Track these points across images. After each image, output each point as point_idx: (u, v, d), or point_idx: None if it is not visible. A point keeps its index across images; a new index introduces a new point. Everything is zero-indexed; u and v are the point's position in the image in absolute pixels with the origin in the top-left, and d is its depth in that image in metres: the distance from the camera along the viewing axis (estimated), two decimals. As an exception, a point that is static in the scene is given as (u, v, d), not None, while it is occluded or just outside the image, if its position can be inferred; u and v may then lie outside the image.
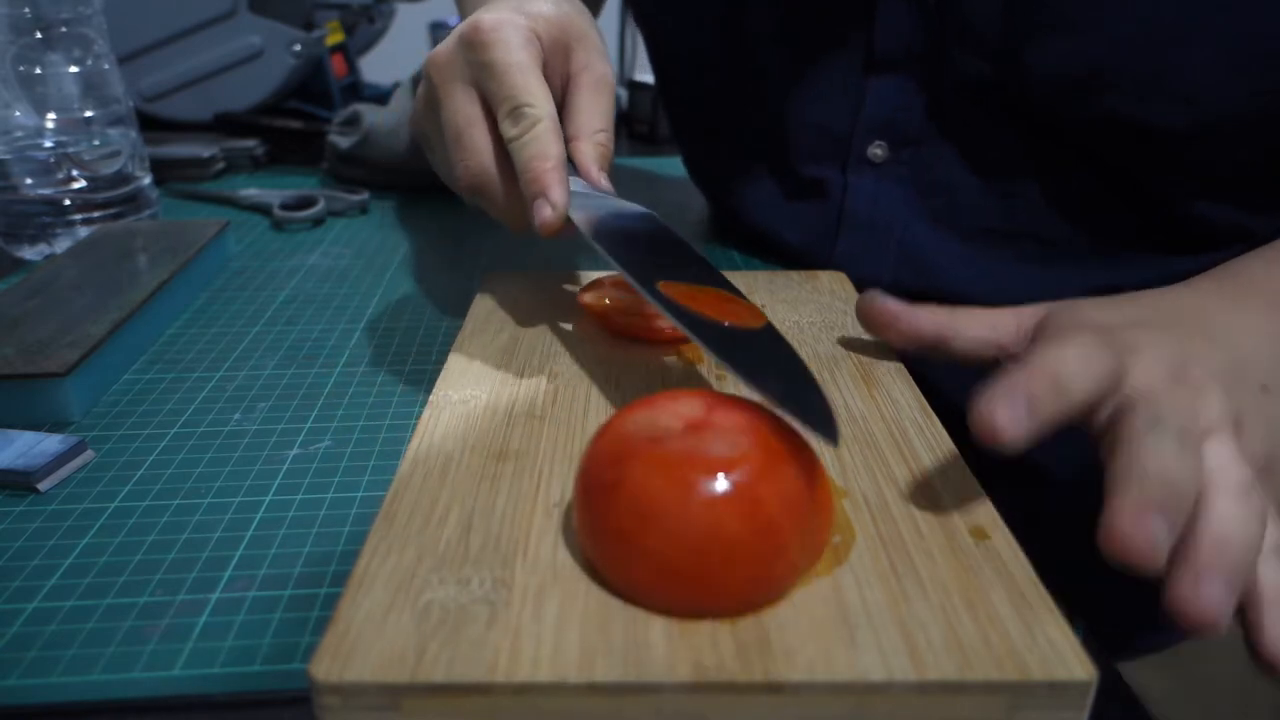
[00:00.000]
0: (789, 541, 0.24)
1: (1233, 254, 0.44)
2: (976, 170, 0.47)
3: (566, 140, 0.40)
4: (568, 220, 0.36)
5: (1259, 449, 0.29)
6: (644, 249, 0.36)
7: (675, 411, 0.26)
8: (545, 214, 0.35)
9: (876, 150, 0.48)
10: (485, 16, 0.38)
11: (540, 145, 0.36)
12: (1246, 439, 0.28)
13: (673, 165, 0.88)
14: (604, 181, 0.40)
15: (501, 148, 0.38)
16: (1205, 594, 0.23)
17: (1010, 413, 0.25)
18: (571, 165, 0.40)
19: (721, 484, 0.23)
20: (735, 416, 0.26)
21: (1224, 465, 0.26)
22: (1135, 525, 0.23)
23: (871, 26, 0.47)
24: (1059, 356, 0.27)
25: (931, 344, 0.36)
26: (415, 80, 0.73)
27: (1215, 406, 0.28)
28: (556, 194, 0.35)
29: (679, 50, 0.60)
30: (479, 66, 0.38)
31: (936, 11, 0.45)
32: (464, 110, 0.38)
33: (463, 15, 0.51)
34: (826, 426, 0.26)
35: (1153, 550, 0.23)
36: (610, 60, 0.43)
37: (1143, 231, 0.46)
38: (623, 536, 0.23)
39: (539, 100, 0.37)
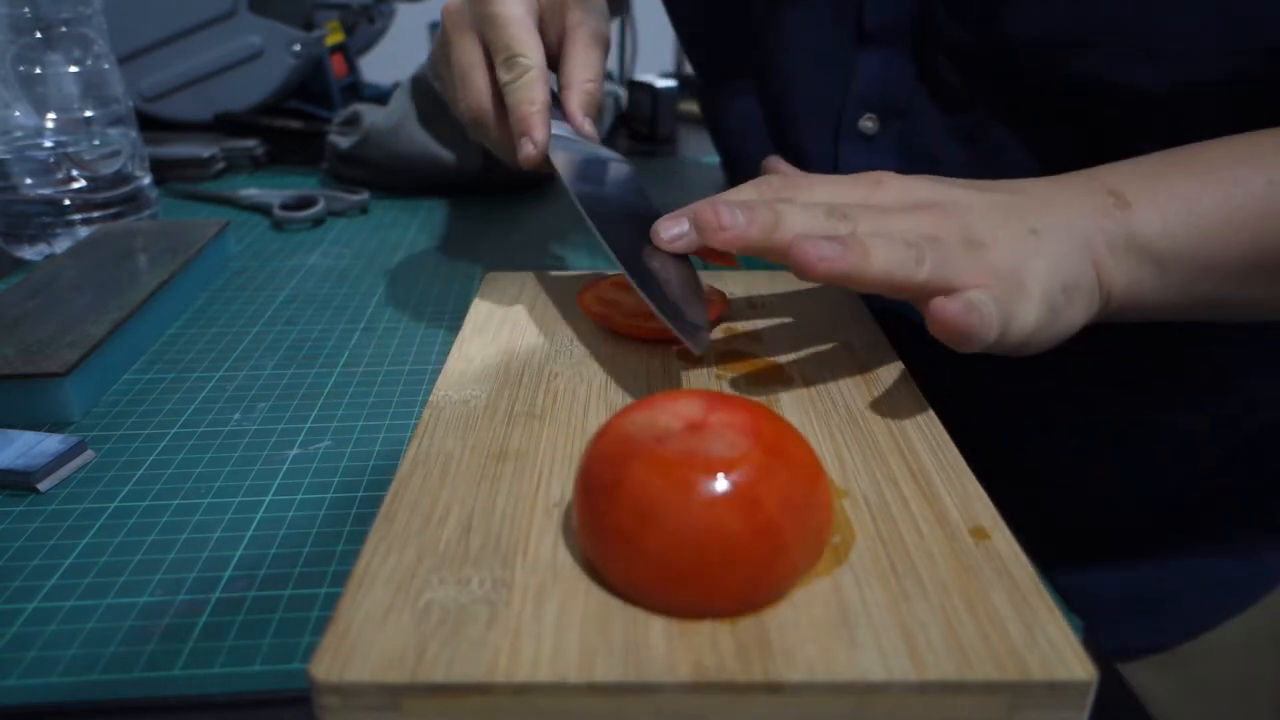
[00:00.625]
0: (789, 541, 0.24)
1: None
2: (962, 141, 0.47)
3: (559, 89, 0.45)
4: (549, 160, 0.41)
5: (1004, 261, 0.31)
6: (615, 202, 0.40)
7: (675, 411, 0.26)
8: (528, 150, 0.41)
9: (867, 123, 0.49)
10: None
11: (528, 91, 0.41)
12: (990, 254, 0.31)
13: (672, 165, 0.88)
14: (588, 127, 0.44)
15: (499, 90, 0.42)
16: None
17: (674, 225, 0.34)
18: (562, 112, 0.45)
19: (721, 484, 0.23)
20: (735, 416, 0.26)
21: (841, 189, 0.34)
22: (714, 210, 0.31)
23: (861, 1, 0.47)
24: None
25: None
26: (415, 80, 0.73)
27: (931, 220, 0.32)
28: (538, 133, 0.41)
29: (686, 32, 0.61)
30: (482, 17, 0.42)
31: None
32: (468, 55, 0.43)
33: None
34: (693, 334, 0.32)
35: (718, 221, 0.31)
36: (607, 18, 0.47)
37: None
38: (623, 536, 0.23)
39: (530, 51, 0.41)
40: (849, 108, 0.50)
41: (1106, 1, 0.40)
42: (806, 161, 0.52)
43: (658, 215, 0.36)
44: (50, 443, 0.36)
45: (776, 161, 0.46)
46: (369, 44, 1.12)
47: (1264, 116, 0.40)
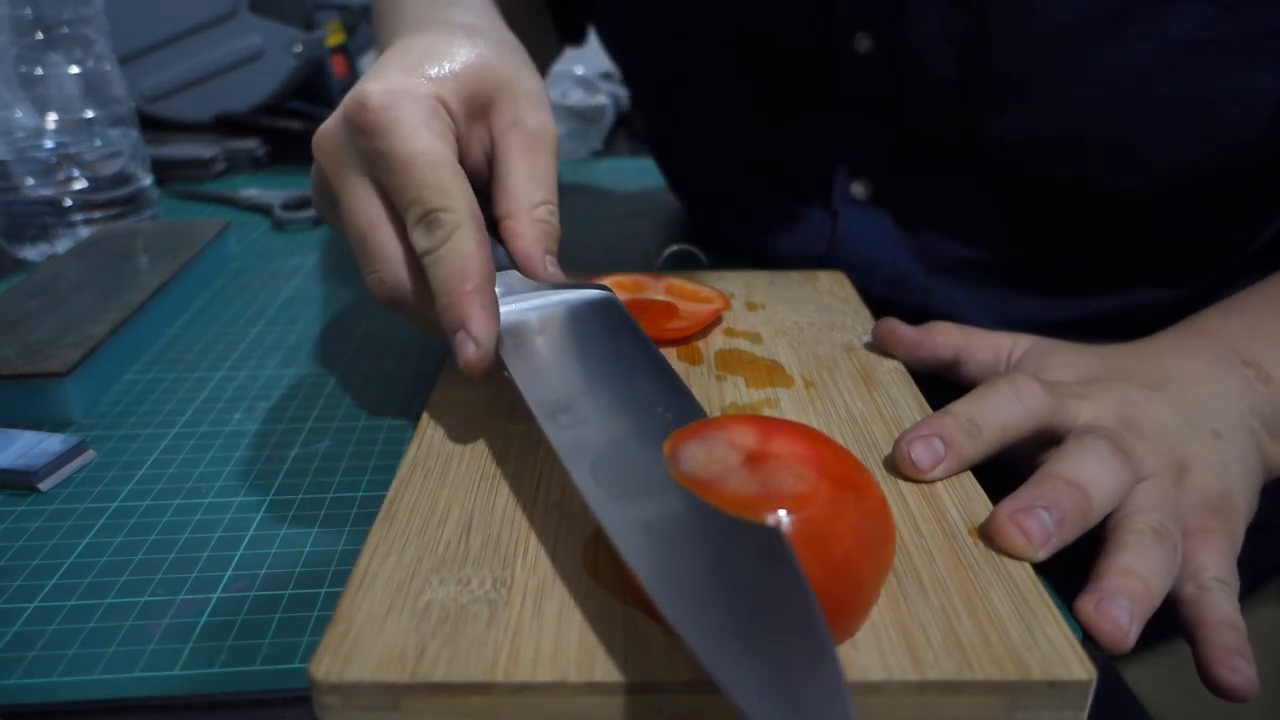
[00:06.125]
0: (864, 577, 0.23)
1: (1198, 284, 0.46)
2: (947, 209, 0.47)
3: (500, 218, 0.34)
4: (499, 357, 0.30)
5: (1213, 487, 0.31)
6: (600, 395, 0.28)
7: (730, 441, 0.25)
8: (468, 353, 0.29)
9: (858, 189, 0.49)
10: (374, 89, 0.31)
11: (459, 261, 0.29)
12: (1197, 480, 0.31)
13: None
14: (550, 269, 0.33)
15: (413, 252, 0.31)
16: (1107, 612, 0.25)
17: (926, 451, 0.29)
18: (506, 250, 0.33)
19: (793, 525, 0.22)
20: (793, 445, 0.25)
21: (1146, 507, 0.29)
22: (1015, 515, 0.26)
23: (835, 80, 0.47)
24: (977, 405, 0.30)
25: (947, 366, 0.37)
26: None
27: (1154, 453, 0.30)
28: (479, 325, 0.29)
29: (652, 99, 0.60)
30: (373, 157, 0.31)
31: (893, 75, 0.45)
32: (365, 210, 0.31)
33: (379, 43, 0.46)
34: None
35: (1027, 538, 0.25)
36: (548, 104, 0.35)
37: (1110, 266, 0.47)
38: None
39: (455, 200, 0.30)
40: (839, 175, 0.50)
41: (1093, 109, 0.40)
42: (799, 224, 0.52)
43: (676, 394, 0.28)
44: (51, 442, 0.36)
45: (896, 324, 0.38)
46: (369, 44, 1.12)
47: (1237, 200, 0.42)
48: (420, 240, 0.30)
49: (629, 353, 0.30)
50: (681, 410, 0.27)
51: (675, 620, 0.19)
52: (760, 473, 0.23)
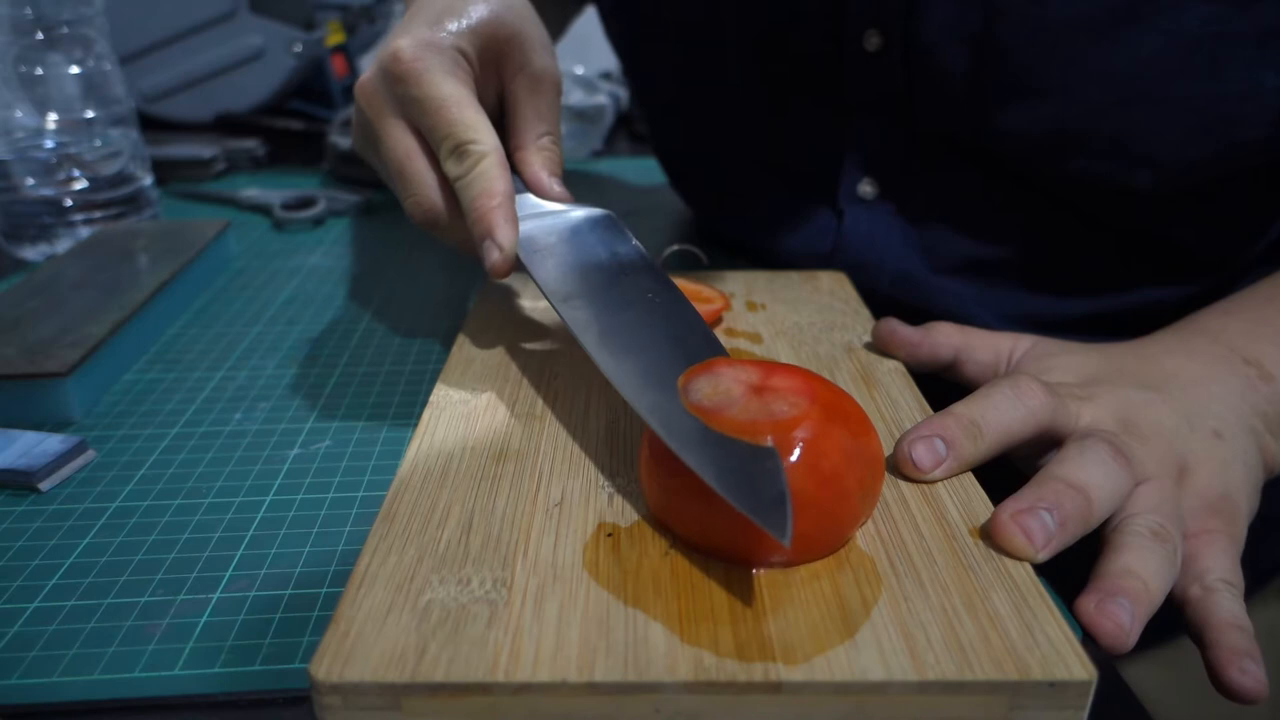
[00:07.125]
0: (850, 490, 0.25)
1: (1205, 282, 0.46)
2: (956, 208, 0.47)
3: (512, 150, 0.39)
4: (519, 261, 0.35)
5: (1214, 488, 0.31)
6: (603, 286, 0.35)
7: (734, 378, 0.28)
8: (493, 257, 0.34)
9: (866, 188, 0.49)
10: (404, 43, 0.36)
11: (485, 182, 0.34)
12: (1198, 481, 0.31)
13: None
14: (556, 189, 0.39)
15: (445, 179, 0.36)
16: (1107, 612, 0.25)
17: (927, 451, 0.29)
18: (520, 178, 0.39)
19: (786, 442, 0.25)
20: (790, 380, 0.28)
21: (1146, 509, 0.29)
22: (1017, 515, 0.26)
23: (844, 78, 0.47)
24: (979, 406, 0.30)
25: (947, 366, 0.38)
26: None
27: (1154, 455, 0.31)
28: (503, 233, 0.34)
29: (659, 97, 0.60)
30: (407, 101, 0.36)
31: (904, 72, 0.45)
32: (401, 144, 0.37)
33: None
34: (773, 519, 0.23)
35: (1028, 539, 0.25)
36: (551, 50, 0.40)
37: (1119, 264, 0.47)
38: (699, 495, 0.24)
39: (480, 134, 0.35)
40: (846, 175, 0.49)
41: (1099, 104, 0.40)
42: (804, 224, 0.52)
43: (666, 288, 0.34)
44: (51, 442, 0.36)
45: (896, 324, 0.38)
46: (369, 44, 1.12)
47: (1244, 197, 0.42)
48: (452, 168, 0.35)
49: (624, 253, 0.36)
50: (667, 296, 0.34)
51: (686, 460, 0.25)
52: (760, 401, 0.27)
